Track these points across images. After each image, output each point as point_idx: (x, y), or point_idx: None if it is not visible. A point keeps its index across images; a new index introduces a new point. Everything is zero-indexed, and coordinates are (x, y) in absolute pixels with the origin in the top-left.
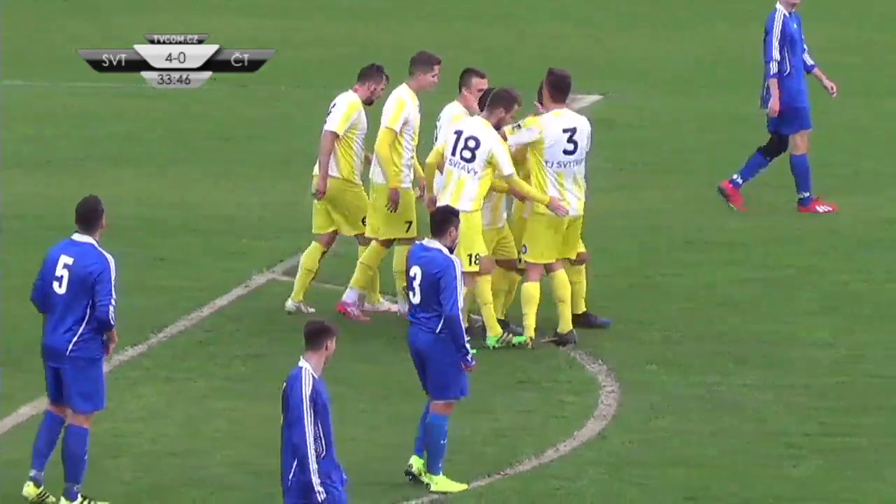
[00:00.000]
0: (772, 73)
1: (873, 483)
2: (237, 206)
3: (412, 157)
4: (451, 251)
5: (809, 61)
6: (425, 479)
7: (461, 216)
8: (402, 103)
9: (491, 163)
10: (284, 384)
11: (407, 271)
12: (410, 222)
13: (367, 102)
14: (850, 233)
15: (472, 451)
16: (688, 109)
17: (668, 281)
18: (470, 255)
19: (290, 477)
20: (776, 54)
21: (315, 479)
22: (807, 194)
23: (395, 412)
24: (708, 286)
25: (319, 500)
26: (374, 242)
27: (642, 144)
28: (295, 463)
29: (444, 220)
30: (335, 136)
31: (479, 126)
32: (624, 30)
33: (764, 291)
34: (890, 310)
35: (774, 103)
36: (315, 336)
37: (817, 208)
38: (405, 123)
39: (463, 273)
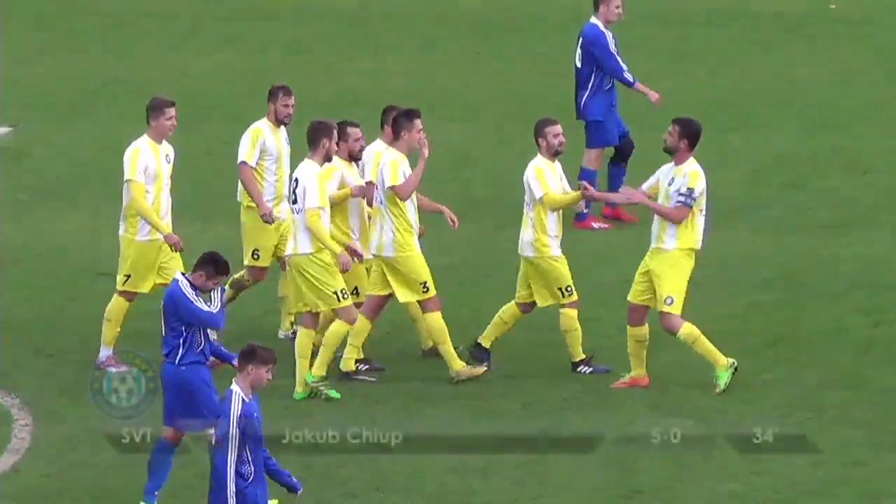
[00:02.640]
0: (632, 80)
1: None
2: None
3: (152, 204)
4: (196, 288)
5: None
6: None
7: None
8: (136, 153)
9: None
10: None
11: None
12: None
13: (279, 123)
14: None
15: None
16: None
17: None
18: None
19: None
20: (623, 64)
21: (231, 502)
22: (586, 210)
23: None
24: None
25: None
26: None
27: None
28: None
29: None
30: (246, 165)
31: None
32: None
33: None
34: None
35: (654, 95)
36: (240, 358)
37: (593, 225)
38: (145, 171)
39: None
